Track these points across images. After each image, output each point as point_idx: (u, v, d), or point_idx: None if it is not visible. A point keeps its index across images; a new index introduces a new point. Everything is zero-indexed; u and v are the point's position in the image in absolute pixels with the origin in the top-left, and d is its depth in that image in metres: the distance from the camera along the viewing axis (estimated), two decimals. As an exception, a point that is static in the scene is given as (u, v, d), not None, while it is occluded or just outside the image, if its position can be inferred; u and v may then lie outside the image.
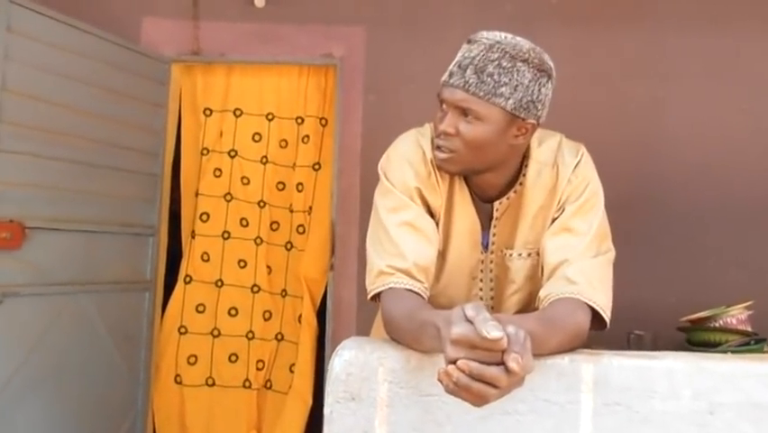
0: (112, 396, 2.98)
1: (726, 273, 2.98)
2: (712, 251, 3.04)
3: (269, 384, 3.42)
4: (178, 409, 3.33)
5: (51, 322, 2.69)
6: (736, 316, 2.39)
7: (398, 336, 1.19)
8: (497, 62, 1.22)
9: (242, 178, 3.47)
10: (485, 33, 1.26)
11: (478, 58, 1.23)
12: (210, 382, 3.36)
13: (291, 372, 3.35)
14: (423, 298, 1.27)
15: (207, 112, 3.47)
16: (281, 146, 3.49)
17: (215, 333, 3.40)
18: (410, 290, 1.26)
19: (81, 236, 2.81)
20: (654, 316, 2.63)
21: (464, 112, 1.25)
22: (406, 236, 1.29)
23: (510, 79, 1.22)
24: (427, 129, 1.40)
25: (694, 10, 3.15)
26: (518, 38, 1.25)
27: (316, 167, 3.44)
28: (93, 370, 2.87)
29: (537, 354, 1.09)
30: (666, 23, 3.15)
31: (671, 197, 3.10)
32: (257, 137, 3.48)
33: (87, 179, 2.85)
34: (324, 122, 3.45)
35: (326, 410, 1.13)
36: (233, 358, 3.39)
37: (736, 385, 1.10)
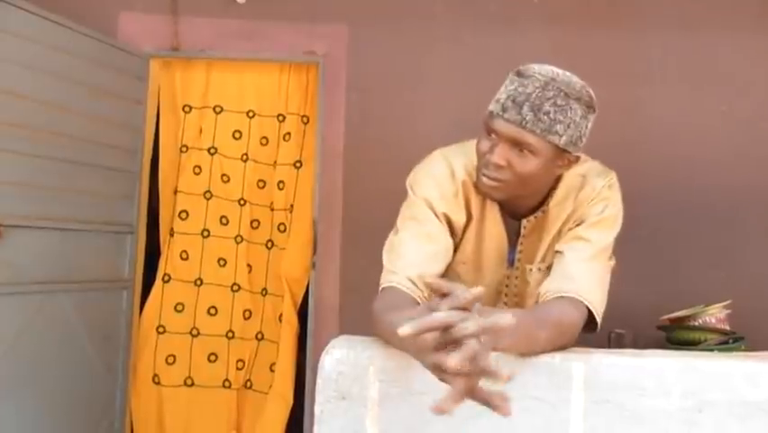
0: (89, 396, 2.93)
1: (704, 273, 3.02)
2: (691, 250, 3.07)
3: (248, 384, 3.39)
4: (156, 410, 3.28)
5: (28, 321, 2.63)
6: (715, 315, 2.43)
7: (375, 331, 1.21)
8: (552, 100, 1.24)
9: (222, 175, 3.43)
10: (536, 68, 1.27)
11: (534, 95, 1.24)
12: (189, 382, 3.32)
13: (271, 371, 3.32)
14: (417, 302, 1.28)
15: (187, 108, 3.43)
16: (262, 144, 3.45)
17: (194, 332, 3.36)
18: (406, 294, 1.27)
19: (58, 234, 2.76)
20: (634, 314, 2.66)
21: (518, 145, 1.27)
22: (420, 248, 1.33)
23: (564, 117, 1.25)
24: (457, 149, 1.44)
25: (674, 13, 3.18)
26: (568, 73, 1.28)
27: (298, 165, 3.42)
28: (70, 370, 2.82)
29: (528, 349, 1.12)
30: (647, 25, 3.18)
31: (649, 197, 3.13)
32: (237, 134, 3.45)
33: (64, 177, 2.79)
34: (305, 119, 3.43)
35: (317, 410, 1.12)
36: (213, 358, 3.36)
37: (725, 384, 1.11)
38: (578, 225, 1.37)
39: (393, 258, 1.33)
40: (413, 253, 1.32)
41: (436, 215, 1.37)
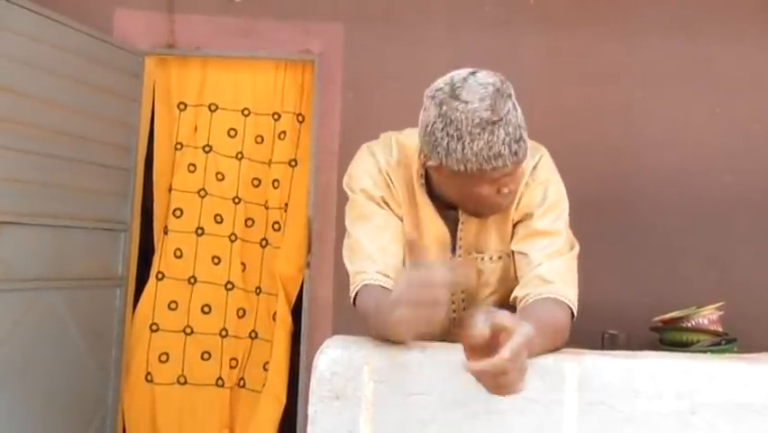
0: (81, 395, 2.92)
1: (697, 274, 3.03)
2: (684, 252, 3.08)
3: (242, 383, 3.38)
4: (148, 408, 3.27)
5: (19, 319, 2.62)
6: (708, 316, 2.44)
7: (371, 328, 1.21)
8: (510, 128, 1.22)
9: (217, 173, 3.42)
10: (481, 123, 1.20)
11: (506, 139, 1.21)
12: (182, 380, 3.31)
13: (265, 370, 3.31)
14: None
15: (182, 106, 3.42)
16: (257, 142, 3.45)
17: (188, 330, 3.35)
18: (383, 287, 1.29)
19: (51, 231, 2.75)
20: (627, 316, 2.67)
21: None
22: (376, 241, 1.36)
23: (520, 131, 1.24)
24: (380, 144, 1.46)
25: (669, 15, 3.19)
26: (486, 103, 1.20)
27: (293, 163, 3.41)
28: (62, 368, 2.81)
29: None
30: (641, 28, 3.19)
31: (643, 198, 3.15)
32: (232, 132, 3.44)
33: (58, 173, 2.78)
34: (300, 118, 3.42)
35: (310, 410, 1.12)
36: (206, 356, 3.34)
37: (718, 386, 1.11)
38: (523, 219, 1.38)
39: (354, 259, 1.37)
40: (373, 250, 1.35)
41: (377, 203, 1.40)
